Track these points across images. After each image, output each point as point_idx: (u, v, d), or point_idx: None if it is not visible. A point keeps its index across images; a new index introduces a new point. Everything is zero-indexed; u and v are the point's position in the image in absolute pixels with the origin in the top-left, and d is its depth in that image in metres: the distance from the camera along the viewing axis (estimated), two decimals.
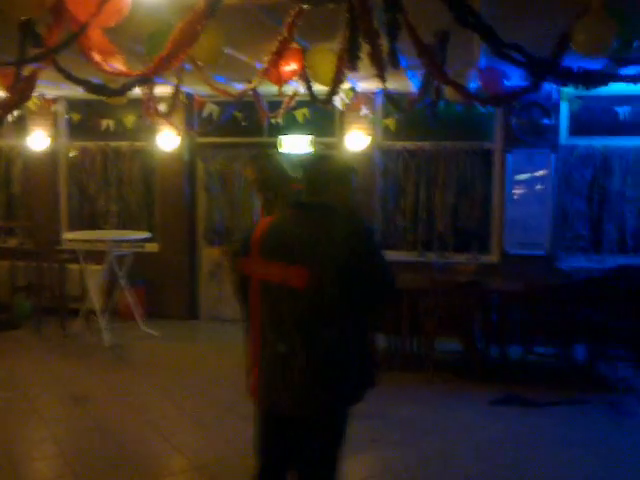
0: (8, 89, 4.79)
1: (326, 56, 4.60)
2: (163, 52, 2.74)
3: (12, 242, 8.52)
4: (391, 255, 6.95)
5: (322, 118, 7.45)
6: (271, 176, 4.08)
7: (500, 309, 6.23)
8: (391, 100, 3.64)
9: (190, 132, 7.53)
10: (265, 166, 4.15)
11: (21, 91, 3.38)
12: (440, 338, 5.96)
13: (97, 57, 2.94)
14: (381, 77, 3.18)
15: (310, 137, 7.56)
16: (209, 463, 4.07)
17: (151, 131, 7.82)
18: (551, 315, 5.94)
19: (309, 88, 4.71)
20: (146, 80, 3.26)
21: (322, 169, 2.63)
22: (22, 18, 3.49)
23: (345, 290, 2.34)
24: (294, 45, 4.91)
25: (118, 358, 6.50)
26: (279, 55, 3.36)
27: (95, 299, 7.14)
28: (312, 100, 4.70)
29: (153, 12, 3.46)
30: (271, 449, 2.62)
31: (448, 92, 5.13)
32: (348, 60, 3.23)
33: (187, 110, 7.67)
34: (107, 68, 2.98)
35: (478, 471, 4.04)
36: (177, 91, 4.85)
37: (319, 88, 5.42)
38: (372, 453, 4.25)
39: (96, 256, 7.49)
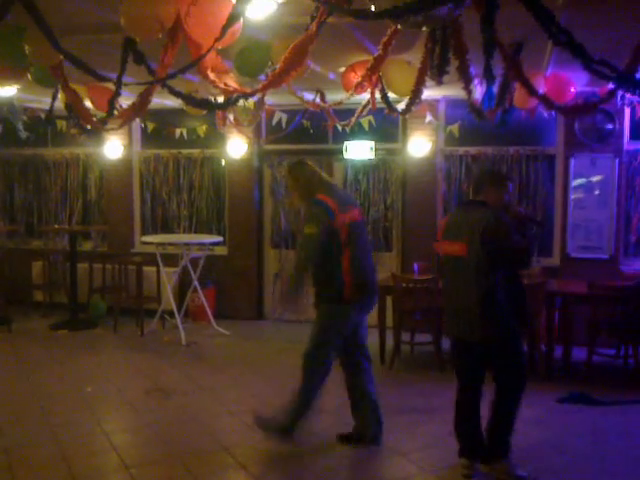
0: (102, 107, 5.19)
1: (403, 68, 4.87)
2: (276, 71, 3.02)
3: (87, 245, 8.99)
4: None
5: (385, 125, 7.71)
6: (305, 183, 4.28)
7: (564, 310, 6.36)
8: (475, 110, 3.87)
9: (259, 140, 7.86)
10: (299, 174, 4.31)
11: (136, 107, 3.71)
12: None
13: (212, 75, 3.25)
14: (467, 90, 3.41)
15: (372, 143, 7.85)
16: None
17: (221, 139, 8.20)
18: (616, 316, 6.05)
19: (385, 97, 4.96)
20: (251, 95, 3.55)
21: (483, 177, 3.94)
22: (129, 36, 3.84)
23: (490, 256, 3.64)
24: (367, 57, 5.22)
25: (196, 355, 6.86)
26: (373, 70, 3.61)
27: (170, 300, 7.52)
28: (389, 110, 4.95)
29: (252, 32, 3.76)
30: (464, 367, 3.93)
31: (517, 99, 5.35)
32: (437, 74, 3.49)
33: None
34: (222, 86, 3.28)
35: (554, 464, 4.23)
36: (261, 103, 5.15)
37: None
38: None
39: (169, 259, 7.90)
